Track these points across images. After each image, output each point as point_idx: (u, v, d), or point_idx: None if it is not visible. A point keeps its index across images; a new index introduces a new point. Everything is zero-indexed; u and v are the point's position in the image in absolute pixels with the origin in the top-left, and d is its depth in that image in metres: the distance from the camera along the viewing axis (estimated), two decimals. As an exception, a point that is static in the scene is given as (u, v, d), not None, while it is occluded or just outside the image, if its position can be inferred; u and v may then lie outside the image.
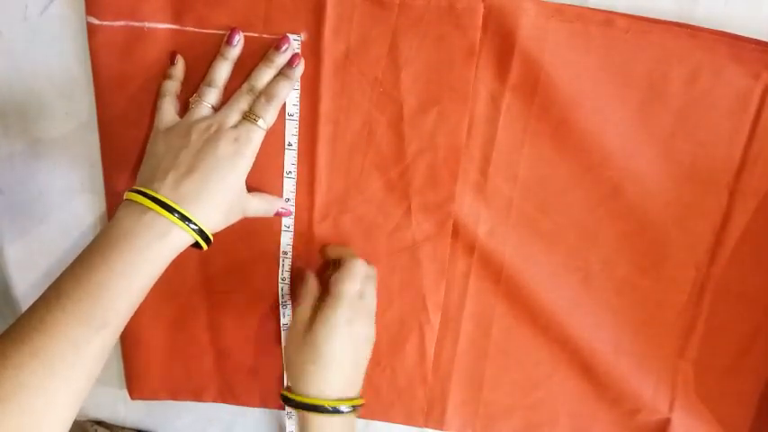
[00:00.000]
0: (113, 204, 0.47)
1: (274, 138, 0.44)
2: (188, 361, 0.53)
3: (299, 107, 0.44)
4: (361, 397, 0.43)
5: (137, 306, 0.37)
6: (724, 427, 0.51)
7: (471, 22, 0.42)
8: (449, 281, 0.49)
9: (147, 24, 0.42)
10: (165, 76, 0.43)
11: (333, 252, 0.47)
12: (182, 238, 0.37)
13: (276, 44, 0.42)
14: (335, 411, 0.40)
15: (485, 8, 0.41)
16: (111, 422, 0.58)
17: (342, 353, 0.41)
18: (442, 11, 0.42)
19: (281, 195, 0.46)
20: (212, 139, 0.39)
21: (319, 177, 0.46)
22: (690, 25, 0.41)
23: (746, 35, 0.41)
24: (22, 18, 0.43)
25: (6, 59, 0.44)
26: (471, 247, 0.48)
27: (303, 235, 0.48)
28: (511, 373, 0.52)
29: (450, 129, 0.44)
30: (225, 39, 0.42)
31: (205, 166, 0.38)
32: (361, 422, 0.55)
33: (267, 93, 0.41)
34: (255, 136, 0.40)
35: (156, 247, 0.36)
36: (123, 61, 0.43)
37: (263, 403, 0.55)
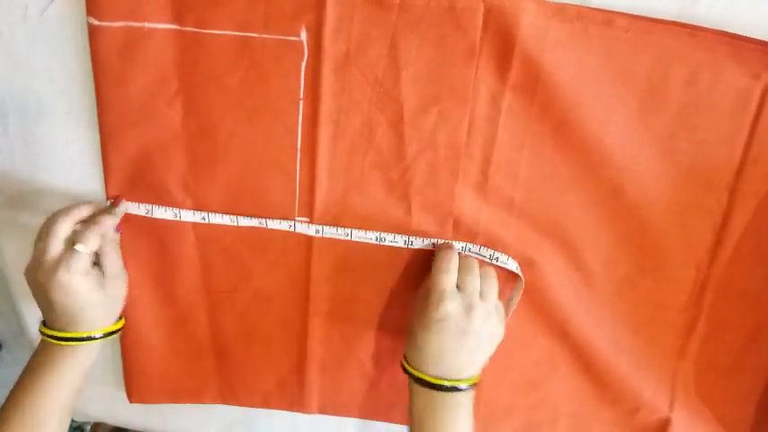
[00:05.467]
0: (113, 195, 0.47)
1: (283, 138, 0.44)
2: (188, 362, 0.53)
3: (300, 108, 0.44)
4: (475, 376, 0.45)
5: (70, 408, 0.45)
6: (724, 427, 0.52)
7: (471, 22, 0.42)
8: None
9: (147, 25, 0.42)
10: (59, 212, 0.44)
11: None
12: (83, 349, 0.45)
13: (114, 202, 0.47)
14: (436, 387, 0.43)
15: (485, 8, 0.41)
16: (112, 423, 0.58)
17: (438, 346, 0.43)
18: (442, 11, 0.42)
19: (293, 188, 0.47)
20: (49, 275, 0.43)
21: (319, 177, 0.46)
22: (690, 25, 0.42)
23: (746, 35, 0.41)
24: (22, 18, 0.43)
25: (6, 59, 0.44)
26: (471, 247, 0.48)
27: (303, 234, 0.48)
28: (511, 373, 0.52)
29: (451, 128, 0.45)
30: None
31: (58, 301, 0.43)
32: (360, 422, 0.55)
33: (94, 224, 0.44)
34: (75, 259, 0.43)
35: (63, 362, 0.44)
36: (123, 61, 0.43)
37: (263, 403, 0.55)
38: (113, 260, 0.46)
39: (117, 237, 0.47)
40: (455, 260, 0.45)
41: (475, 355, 0.44)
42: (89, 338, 0.45)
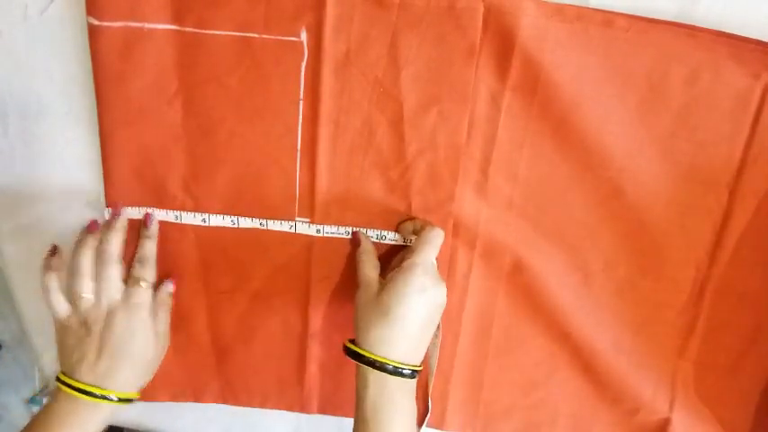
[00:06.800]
0: (113, 204, 0.47)
1: (284, 139, 0.44)
2: (188, 362, 0.53)
3: (300, 108, 0.44)
4: (420, 364, 0.44)
5: None
6: (724, 427, 0.51)
7: (471, 22, 0.42)
8: (449, 280, 0.49)
9: (146, 25, 0.42)
10: (46, 267, 0.45)
11: (410, 226, 0.47)
12: (104, 406, 0.43)
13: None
14: (396, 372, 0.41)
15: (485, 8, 0.41)
16: (111, 422, 0.58)
17: (410, 320, 0.42)
18: (441, 11, 0.42)
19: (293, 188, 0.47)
20: (109, 323, 0.43)
21: (320, 177, 0.46)
22: (690, 25, 0.42)
23: (746, 35, 0.42)
24: (22, 18, 0.43)
25: (6, 59, 0.44)
26: (472, 247, 0.48)
27: (303, 234, 0.48)
28: (511, 373, 0.52)
29: (451, 128, 0.45)
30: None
31: (113, 351, 0.43)
32: (361, 422, 0.55)
33: (141, 257, 0.46)
34: (142, 297, 0.45)
35: (83, 422, 0.43)
36: (123, 61, 0.43)
37: (263, 403, 0.55)
38: (163, 320, 0.47)
39: (169, 300, 0.48)
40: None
41: (428, 335, 0.44)
42: (126, 400, 0.44)
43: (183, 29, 0.43)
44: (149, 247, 0.47)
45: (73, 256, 0.44)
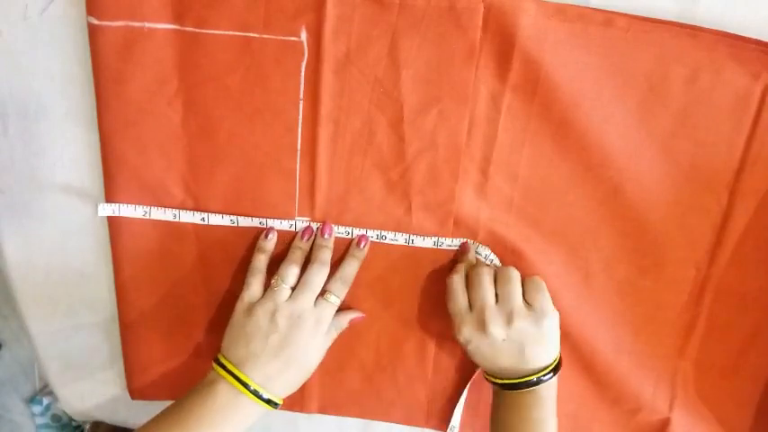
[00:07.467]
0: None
1: (284, 139, 0.44)
2: (188, 361, 0.53)
3: (300, 108, 0.44)
4: (556, 358, 0.45)
5: None
6: (724, 427, 0.52)
7: (471, 22, 0.42)
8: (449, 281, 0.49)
9: (146, 24, 0.42)
10: (258, 249, 0.47)
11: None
12: (261, 409, 0.43)
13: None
14: (539, 382, 0.43)
15: (485, 8, 0.41)
16: (111, 422, 0.58)
17: (484, 356, 0.44)
18: (442, 11, 0.42)
19: (292, 193, 0.47)
20: (296, 326, 0.43)
21: (320, 177, 0.46)
22: (690, 25, 0.42)
23: (746, 35, 0.42)
24: (22, 18, 0.43)
25: (6, 59, 0.44)
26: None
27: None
28: (511, 372, 0.52)
29: (451, 128, 0.45)
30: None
31: (290, 355, 0.43)
32: (360, 422, 0.55)
33: (344, 275, 0.46)
34: (330, 312, 0.45)
35: (239, 420, 0.42)
36: (123, 61, 0.43)
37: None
38: (332, 338, 0.47)
39: (346, 326, 0.48)
40: (462, 285, 0.45)
41: (535, 353, 0.44)
42: (272, 403, 0.43)
43: (183, 28, 0.43)
44: (354, 268, 0.47)
45: (290, 249, 0.46)
